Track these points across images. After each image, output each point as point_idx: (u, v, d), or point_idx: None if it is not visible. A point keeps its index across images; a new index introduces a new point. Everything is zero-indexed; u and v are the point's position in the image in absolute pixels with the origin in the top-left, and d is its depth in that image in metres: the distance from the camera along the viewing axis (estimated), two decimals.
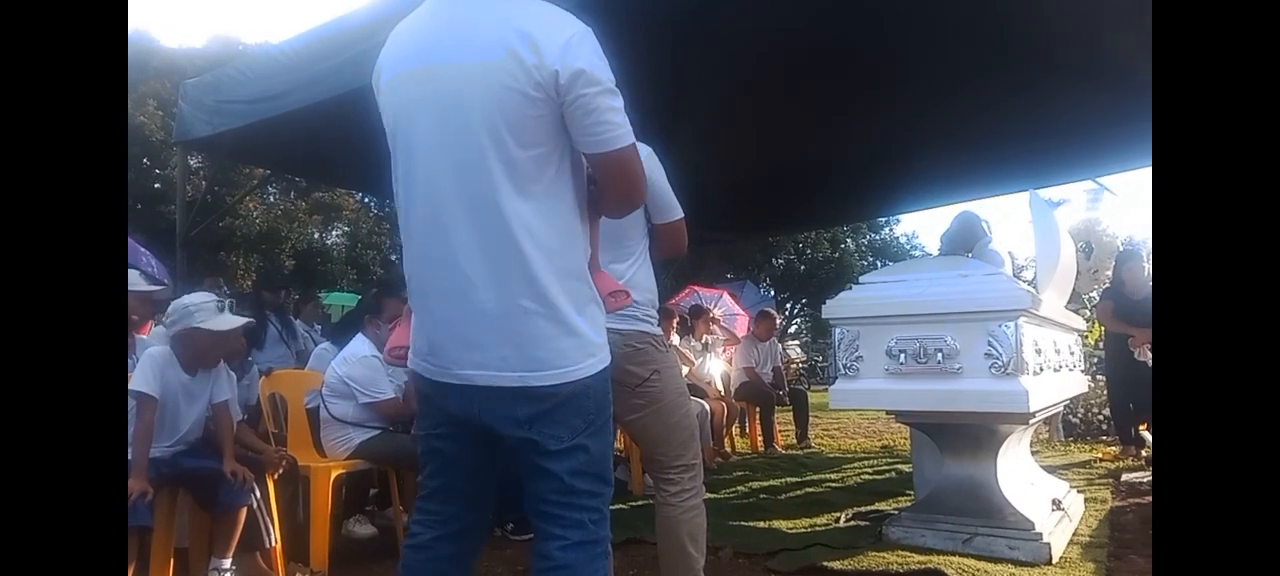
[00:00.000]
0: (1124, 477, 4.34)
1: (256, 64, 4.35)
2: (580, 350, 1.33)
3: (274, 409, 3.46)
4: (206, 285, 5.05)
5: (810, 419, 7.13)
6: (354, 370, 3.32)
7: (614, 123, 1.30)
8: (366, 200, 19.29)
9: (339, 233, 20.83)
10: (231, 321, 2.68)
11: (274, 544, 2.79)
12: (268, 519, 2.77)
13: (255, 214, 16.96)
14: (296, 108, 3.83)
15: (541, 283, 1.29)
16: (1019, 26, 3.57)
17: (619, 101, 1.32)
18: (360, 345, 3.42)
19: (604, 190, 1.41)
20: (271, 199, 18.47)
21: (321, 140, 4.36)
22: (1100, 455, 5.31)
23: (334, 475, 3.15)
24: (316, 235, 20.09)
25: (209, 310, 2.63)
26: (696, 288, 10.55)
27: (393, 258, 20.78)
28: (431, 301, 1.37)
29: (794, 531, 3.35)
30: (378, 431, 3.30)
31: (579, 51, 1.27)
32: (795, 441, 6.85)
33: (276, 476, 2.86)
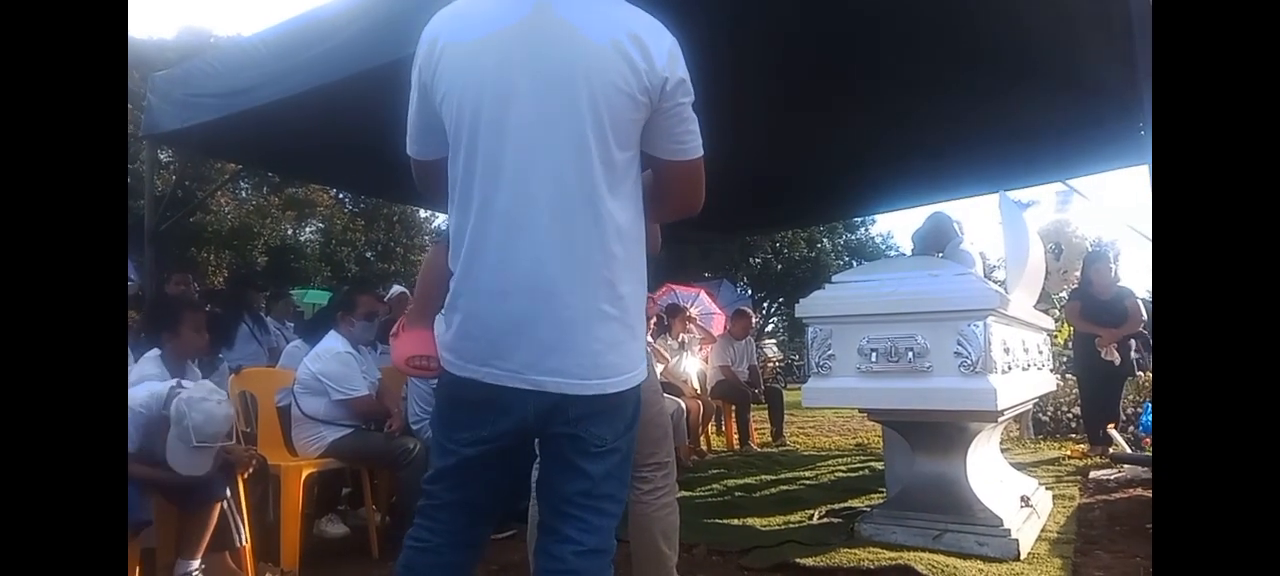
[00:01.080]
0: (1092, 475, 4.42)
1: (228, 56, 4.29)
2: (641, 355, 1.34)
3: (244, 407, 3.42)
4: (175, 281, 4.97)
5: (785, 417, 7.17)
6: (327, 366, 3.29)
7: (696, 132, 1.33)
8: (341, 197, 19.08)
9: (313, 229, 20.59)
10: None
11: (243, 543, 2.75)
12: (237, 518, 2.73)
13: (227, 209, 16.73)
14: (269, 101, 3.78)
15: (621, 287, 1.28)
16: (992, 34, 3.62)
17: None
18: (333, 341, 3.39)
19: (670, 196, 1.42)
20: (243, 194, 18.21)
21: (295, 135, 4.30)
22: (1069, 453, 5.40)
23: (305, 474, 3.12)
24: (290, 231, 19.84)
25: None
26: (674, 286, 10.56)
27: (368, 255, 20.60)
28: (501, 301, 1.27)
29: (768, 529, 3.38)
30: (350, 429, 3.27)
31: (681, 60, 1.28)
32: (770, 439, 6.89)
33: (246, 475, 2.83)
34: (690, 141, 1.32)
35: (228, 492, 2.67)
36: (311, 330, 3.94)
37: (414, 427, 3.60)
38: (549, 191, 1.25)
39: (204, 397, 2.50)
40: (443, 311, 1.38)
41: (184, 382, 2.62)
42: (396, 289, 5.50)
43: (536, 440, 1.34)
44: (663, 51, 1.26)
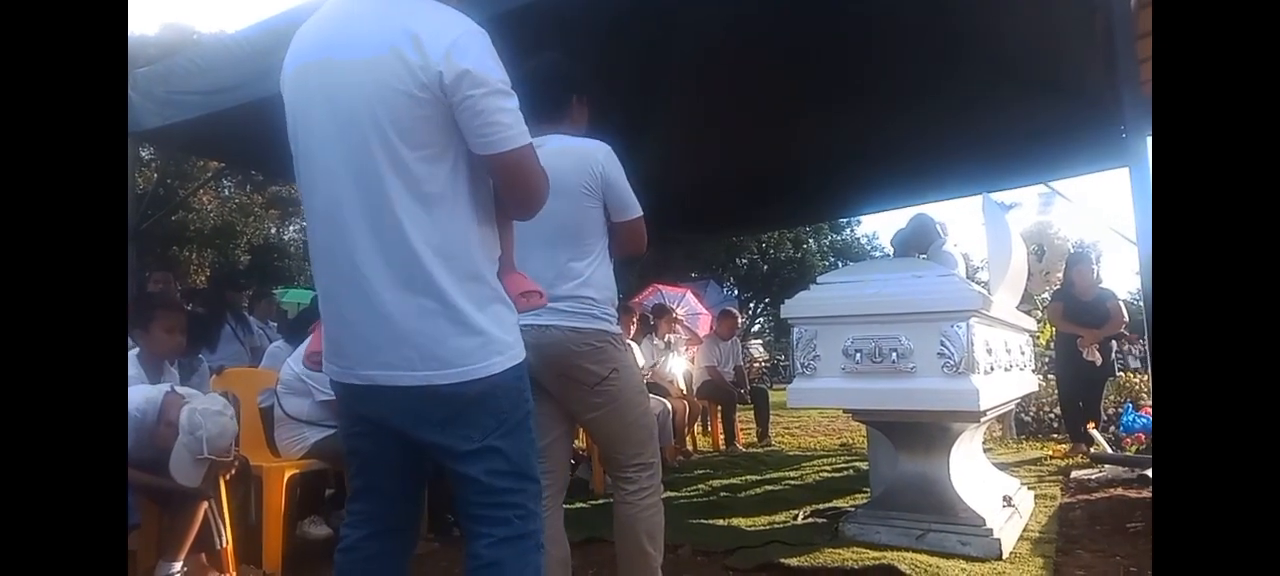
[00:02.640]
0: (1073, 475, 4.46)
1: (211, 53, 4.25)
2: (485, 349, 1.32)
3: None
4: (155, 280, 4.92)
5: (771, 417, 7.20)
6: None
7: (503, 123, 1.29)
8: None
9: (296, 228, 20.42)
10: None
11: (225, 545, 2.73)
12: (219, 519, 2.71)
13: (209, 208, 16.57)
14: (253, 99, 3.73)
15: (439, 284, 1.29)
16: (977, 38, 3.65)
17: (511, 102, 1.31)
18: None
19: (501, 192, 1.40)
20: (226, 192, 18.05)
21: (279, 132, 4.19)
22: (1051, 453, 5.45)
23: (288, 475, 3.10)
24: (273, 230, 19.68)
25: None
26: (660, 286, 10.58)
27: None
28: (334, 303, 1.36)
29: (753, 529, 3.39)
30: (333, 430, 3.24)
31: (466, 52, 1.26)
32: (756, 439, 6.91)
33: (228, 477, 2.80)
34: (493, 133, 1.29)
35: (212, 492, 2.65)
36: (294, 330, 3.91)
37: None
38: (351, 195, 1.30)
39: (219, 410, 2.50)
40: None
41: (178, 388, 2.59)
42: None
43: (416, 443, 1.38)
44: (440, 46, 1.24)
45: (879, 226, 32.25)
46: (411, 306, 1.28)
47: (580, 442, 4.50)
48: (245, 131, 4.24)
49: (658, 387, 5.80)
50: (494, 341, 1.33)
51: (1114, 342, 5.73)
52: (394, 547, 1.47)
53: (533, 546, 1.37)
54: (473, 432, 1.31)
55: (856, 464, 5.16)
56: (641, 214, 2.09)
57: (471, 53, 1.26)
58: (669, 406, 5.46)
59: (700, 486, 4.61)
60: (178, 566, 2.58)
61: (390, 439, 1.38)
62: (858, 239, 27.23)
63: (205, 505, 2.59)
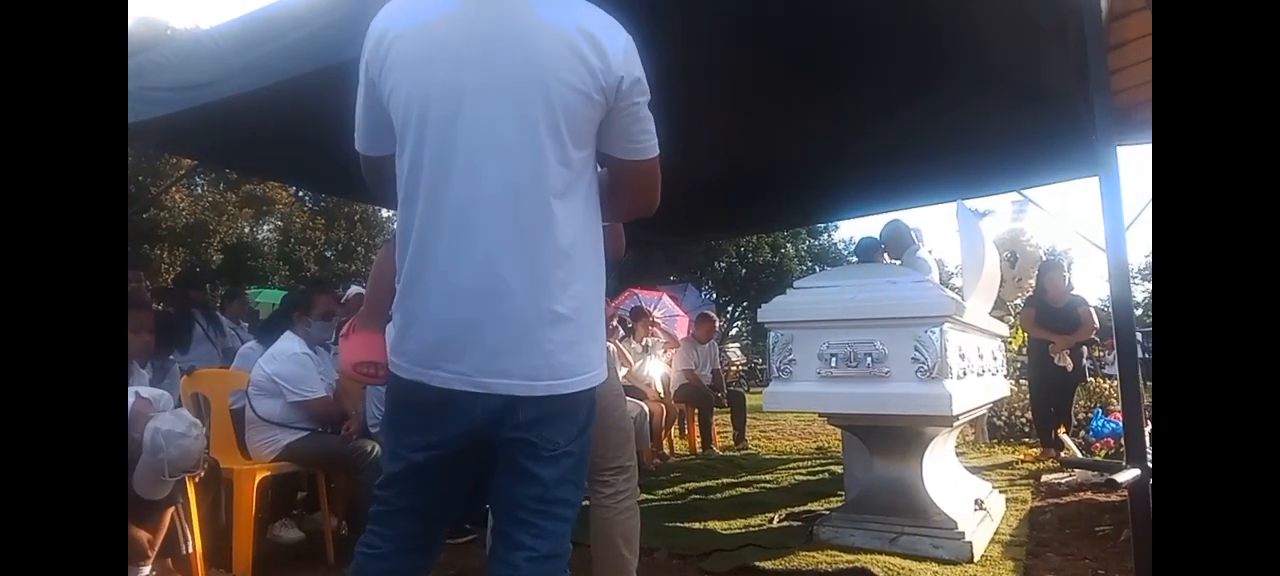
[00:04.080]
0: (1044, 478, 4.53)
1: (185, 49, 4.17)
2: (599, 356, 1.31)
3: (196, 409, 3.33)
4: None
5: (748, 420, 7.23)
6: (283, 367, 3.22)
7: (652, 132, 1.32)
8: (301, 194, 18.75)
9: (270, 227, 20.18)
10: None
11: (192, 549, 2.68)
12: (186, 524, 2.66)
13: (181, 205, 16.31)
14: (227, 96, 3.67)
15: (574, 287, 1.25)
16: (953, 47, 3.69)
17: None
18: (289, 342, 3.32)
19: (628, 196, 1.40)
20: (199, 190, 17.78)
21: (253, 131, 4.20)
22: (1022, 456, 5.52)
23: (259, 477, 3.06)
24: (247, 229, 19.41)
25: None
26: (636, 290, 10.59)
27: (328, 254, 20.25)
28: (455, 302, 1.23)
29: (728, 532, 3.40)
30: (306, 432, 3.21)
31: (636, 59, 1.27)
32: (733, 442, 6.93)
33: (197, 480, 2.75)
34: (646, 141, 1.31)
35: (178, 498, 2.60)
36: (267, 330, 3.85)
37: (372, 430, 3.55)
38: (500, 189, 1.22)
39: (183, 432, 2.43)
40: (392, 313, 1.35)
41: (143, 393, 2.54)
42: (354, 289, 5.41)
43: (488, 444, 1.30)
44: (619, 49, 1.24)
45: (857, 232, 32.56)
46: (548, 312, 1.23)
47: None
48: (219, 128, 4.18)
49: (635, 390, 5.80)
50: (603, 348, 1.33)
51: (1084, 348, 5.82)
52: (423, 565, 1.39)
53: (563, 567, 1.31)
54: (558, 437, 1.26)
55: (832, 467, 5.19)
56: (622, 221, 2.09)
57: (638, 59, 1.27)
58: (646, 409, 5.46)
59: (676, 489, 4.62)
60: (145, 571, 2.53)
61: (463, 456, 1.29)
62: (835, 244, 27.44)
63: (171, 510, 2.55)
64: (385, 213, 19.71)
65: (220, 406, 3.33)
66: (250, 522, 2.98)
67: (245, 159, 6.18)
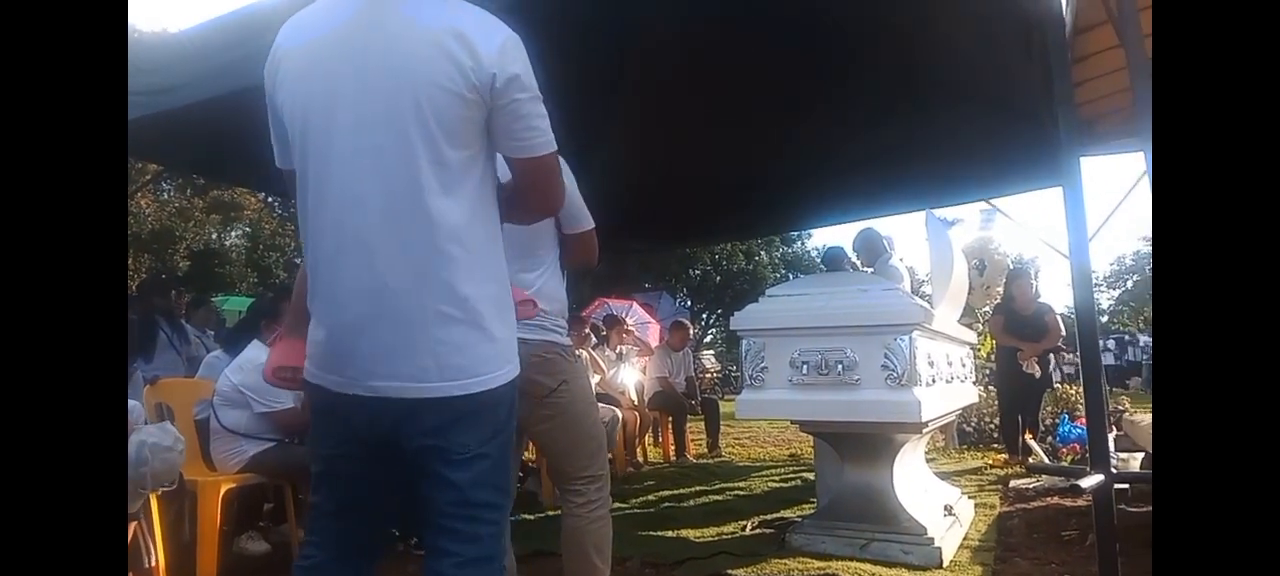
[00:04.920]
0: (1011, 483, 4.59)
1: (152, 52, 4.10)
2: (498, 357, 1.30)
3: (160, 420, 3.26)
4: None
5: (722, 428, 7.25)
6: (249, 377, 3.16)
7: (541, 129, 1.30)
8: (270, 200, 18.48)
9: (239, 233, 19.87)
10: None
11: (154, 563, 2.62)
12: (149, 537, 2.61)
13: (147, 211, 16.01)
14: (195, 101, 3.61)
15: (464, 288, 1.25)
16: (923, 61, 3.75)
17: (543, 109, 1.31)
18: (256, 351, 3.26)
19: (523, 196, 1.39)
20: (166, 195, 17.47)
21: (222, 136, 4.13)
22: (991, 462, 5.60)
23: (224, 489, 3.00)
24: (215, 235, 19.10)
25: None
26: (606, 299, 10.59)
27: (298, 261, 19.97)
28: (341, 308, 1.27)
29: (701, 540, 3.40)
30: (273, 443, 3.16)
31: (514, 56, 1.26)
32: (706, 450, 6.94)
33: (160, 492, 2.70)
34: (533, 138, 1.29)
35: (140, 511, 2.55)
36: (233, 339, 3.79)
37: None
38: (377, 194, 1.24)
39: (169, 447, 2.38)
40: None
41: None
42: None
43: (400, 451, 1.31)
44: (492, 47, 1.24)
45: (830, 240, 32.84)
46: (433, 313, 1.23)
47: (530, 454, 4.46)
48: (187, 133, 4.11)
49: (609, 398, 5.79)
50: (506, 349, 1.31)
51: (1052, 356, 5.92)
52: (359, 570, 1.40)
53: (498, 569, 1.32)
54: (469, 440, 1.27)
55: (804, 474, 5.22)
56: (593, 226, 2.09)
57: (519, 56, 1.26)
58: (619, 417, 5.45)
59: (650, 497, 4.62)
60: None
61: (379, 456, 1.31)
62: (809, 252, 27.65)
63: (134, 524, 2.49)
64: None
65: (185, 416, 3.27)
66: (215, 535, 2.92)
67: (213, 165, 6.09)
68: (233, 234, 19.82)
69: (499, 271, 1.34)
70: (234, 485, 3.08)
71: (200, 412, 3.32)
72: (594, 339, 6.44)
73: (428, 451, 1.27)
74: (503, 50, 1.25)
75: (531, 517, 3.89)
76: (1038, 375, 5.55)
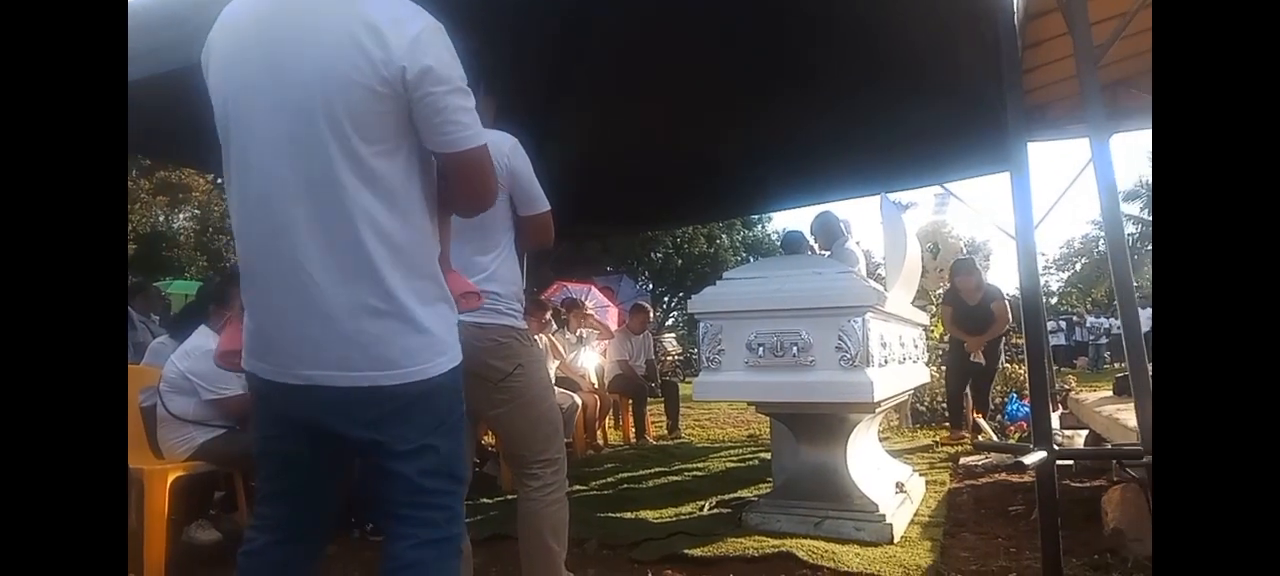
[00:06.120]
0: (961, 461, 4.71)
1: None
2: (429, 349, 1.29)
3: None
4: None
5: (682, 410, 7.29)
6: (197, 364, 3.09)
7: (463, 123, 1.28)
8: (219, 182, 17.98)
9: (187, 216, 19.31)
10: None
11: None
12: None
13: None
14: (141, 78, 3.46)
15: (388, 282, 1.24)
16: (878, 46, 3.79)
17: (470, 101, 1.29)
18: (203, 337, 3.18)
19: (453, 189, 1.39)
20: None
21: (166, 115, 3.98)
22: (941, 439, 5.75)
23: (171, 478, 2.93)
24: (162, 217, 18.53)
25: None
26: (565, 283, 10.56)
27: None
28: (268, 297, 1.28)
29: (659, 521, 3.42)
30: (222, 430, 3.09)
31: (428, 48, 1.23)
32: (666, 432, 6.99)
33: None
34: (454, 132, 1.28)
35: None
36: (179, 325, 3.69)
37: None
38: (297, 188, 1.24)
39: None
40: None
41: None
42: None
43: (339, 441, 1.33)
44: (404, 39, 1.22)
45: (790, 223, 33.18)
46: (357, 304, 1.23)
47: (489, 438, 4.44)
48: (131, 112, 3.97)
49: (568, 382, 5.79)
50: (438, 341, 1.31)
51: (1001, 340, 6.09)
52: (302, 553, 1.41)
53: (453, 550, 1.34)
54: (409, 432, 1.28)
55: (762, 454, 5.29)
56: (549, 208, 2.08)
57: (434, 48, 1.24)
58: (578, 401, 5.45)
59: (609, 479, 4.63)
60: None
61: (315, 441, 1.32)
62: (769, 235, 27.85)
63: None
64: None
65: (130, 404, 3.18)
66: (163, 525, 2.85)
67: (158, 144, 5.90)
68: (180, 216, 19.24)
69: (427, 264, 1.33)
70: (182, 473, 3.01)
71: (146, 400, 3.23)
72: (554, 324, 6.42)
73: (370, 445, 1.29)
74: (416, 41, 1.23)
75: (490, 502, 3.87)
76: (984, 364, 5.72)
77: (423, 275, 1.31)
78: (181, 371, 3.08)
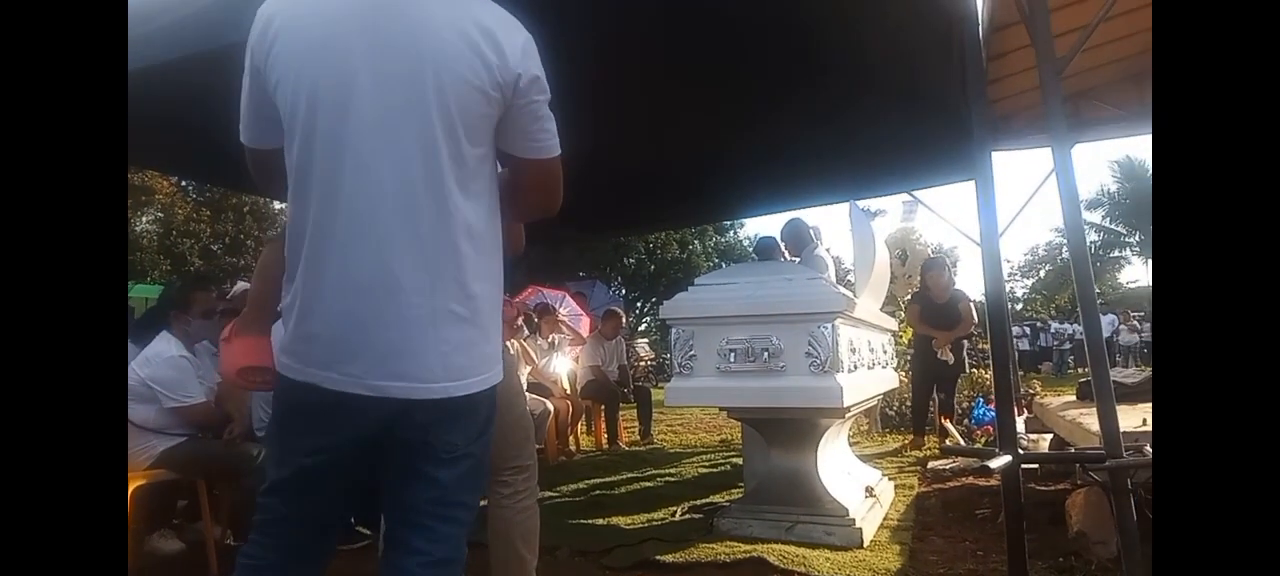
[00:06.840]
0: (929, 465, 4.77)
1: None
2: (494, 358, 1.29)
3: None
4: None
5: (655, 415, 7.30)
6: (158, 371, 3.02)
7: (551, 132, 1.30)
8: (184, 184, 17.63)
9: (150, 219, 18.88)
10: None
11: None
12: None
13: None
14: None
15: (472, 287, 1.22)
16: (848, 57, 3.84)
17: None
18: (165, 343, 3.12)
19: (526, 194, 1.38)
20: None
21: (130, 116, 3.93)
22: (906, 443, 5.81)
23: (133, 487, 2.86)
24: None
25: None
26: (540, 287, 10.52)
27: (215, 248, 19.14)
28: (347, 302, 1.19)
29: (631, 527, 3.42)
30: (184, 438, 3.03)
31: (535, 56, 1.25)
32: (639, 438, 6.98)
33: None
34: (546, 140, 1.29)
35: None
36: (141, 330, 3.61)
37: (259, 433, 3.38)
38: (394, 186, 1.18)
39: None
40: (282, 312, 1.29)
41: None
42: (241, 285, 5.14)
43: (382, 447, 1.26)
44: (516, 47, 1.22)
45: (762, 229, 33.34)
46: (441, 310, 1.20)
47: None
48: None
49: (541, 388, 5.76)
50: (498, 352, 1.30)
51: (965, 342, 6.17)
52: (311, 573, 1.34)
53: (458, 571, 1.29)
54: (457, 439, 1.24)
55: (734, 459, 5.30)
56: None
57: (537, 57, 1.25)
58: (551, 407, 5.43)
59: (581, 485, 4.61)
60: None
61: (355, 460, 1.24)
62: (742, 241, 28.00)
63: None
64: (277, 205, 18.80)
65: None
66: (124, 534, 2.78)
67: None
68: (143, 219, 18.80)
69: (500, 272, 1.32)
70: (143, 482, 2.94)
71: None
72: (526, 329, 6.39)
73: (413, 446, 1.23)
74: (526, 50, 1.24)
75: None
76: (951, 361, 5.78)
77: (497, 282, 1.31)
78: (142, 378, 3.01)
